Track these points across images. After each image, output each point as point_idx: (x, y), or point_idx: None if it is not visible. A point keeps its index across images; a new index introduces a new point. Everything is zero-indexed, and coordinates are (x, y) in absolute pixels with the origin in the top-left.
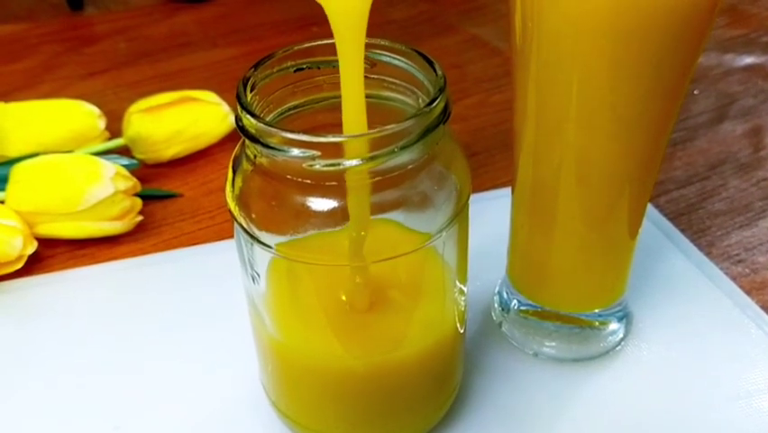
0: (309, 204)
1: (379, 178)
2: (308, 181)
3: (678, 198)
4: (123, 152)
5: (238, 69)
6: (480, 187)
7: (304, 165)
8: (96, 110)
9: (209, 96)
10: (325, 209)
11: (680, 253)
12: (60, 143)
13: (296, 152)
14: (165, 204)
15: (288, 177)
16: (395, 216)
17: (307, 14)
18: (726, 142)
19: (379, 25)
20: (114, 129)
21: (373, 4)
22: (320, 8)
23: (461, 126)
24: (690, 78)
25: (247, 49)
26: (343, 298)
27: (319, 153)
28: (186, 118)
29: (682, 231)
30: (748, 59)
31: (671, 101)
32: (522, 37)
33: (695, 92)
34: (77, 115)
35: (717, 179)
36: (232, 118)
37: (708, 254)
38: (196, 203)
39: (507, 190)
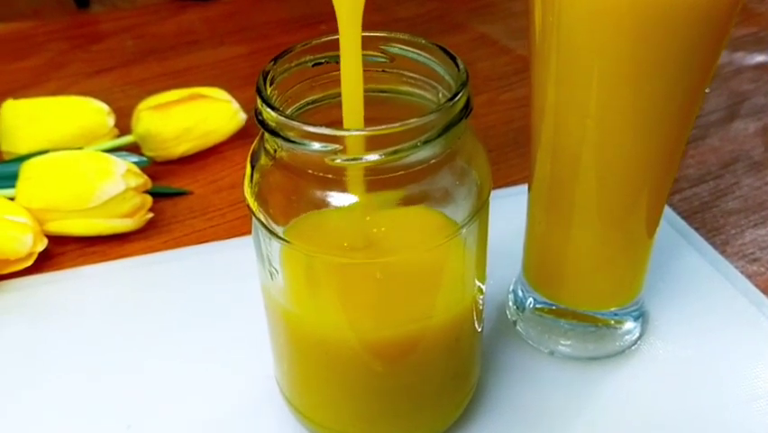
0: (330, 199)
1: (402, 172)
2: (330, 176)
3: (691, 196)
4: (133, 149)
5: (245, 66)
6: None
7: (325, 159)
8: (105, 107)
9: (219, 93)
10: (347, 204)
11: (694, 251)
12: (70, 140)
13: (317, 145)
14: (175, 201)
15: (309, 171)
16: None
17: (315, 12)
18: (739, 140)
19: (386, 23)
20: (122, 126)
21: (381, 3)
22: (327, 6)
23: (472, 124)
24: (712, 75)
25: (254, 47)
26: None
27: (341, 147)
28: (195, 115)
29: (696, 229)
30: (759, 58)
31: (692, 98)
32: (541, 33)
33: (706, 90)
34: (86, 112)
35: (730, 177)
36: (241, 115)
37: (722, 253)
38: (206, 200)
39: (520, 188)
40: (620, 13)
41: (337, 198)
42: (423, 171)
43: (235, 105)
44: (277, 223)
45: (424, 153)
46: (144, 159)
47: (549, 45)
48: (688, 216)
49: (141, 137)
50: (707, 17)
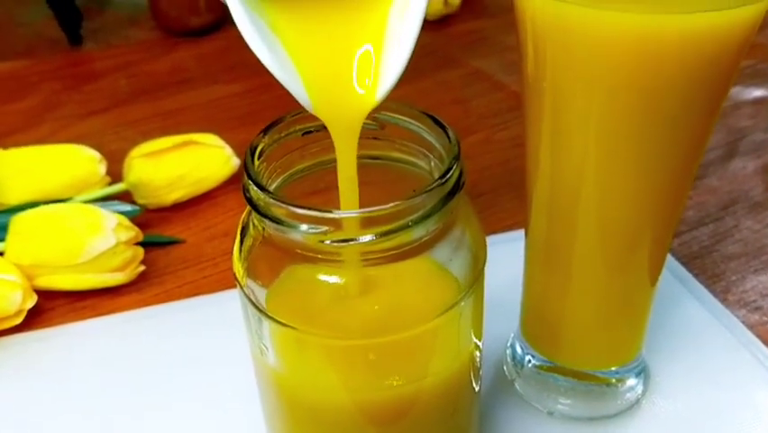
0: (321, 278)
1: (394, 252)
2: (319, 256)
3: (690, 240)
4: (124, 196)
5: (240, 106)
6: (487, 230)
7: (314, 241)
8: (96, 155)
9: (211, 138)
10: (339, 283)
11: (695, 300)
12: (61, 190)
13: (305, 227)
14: (168, 250)
15: (298, 251)
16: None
17: None
18: (738, 180)
19: None
20: (114, 169)
21: None
22: None
23: (466, 165)
24: (715, 123)
25: (248, 85)
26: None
27: (331, 229)
28: (188, 163)
29: (696, 276)
30: (757, 92)
31: (695, 147)
32: (533, 95)
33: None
34: (77, 161)
35: (729, 220)
36: (234, 161)
37: (723, 301)
38: (198, 249)
39: (516, 233)
40: (617, 79)
41: (328, 278)
42: (416, 249)
43: (228, 150)
44: (266, 301)
45: (416, 233)
46: (136, 207)
47: (539, 107)
48: (687, 262)
49: (133, 185)
50: (710, 75)
